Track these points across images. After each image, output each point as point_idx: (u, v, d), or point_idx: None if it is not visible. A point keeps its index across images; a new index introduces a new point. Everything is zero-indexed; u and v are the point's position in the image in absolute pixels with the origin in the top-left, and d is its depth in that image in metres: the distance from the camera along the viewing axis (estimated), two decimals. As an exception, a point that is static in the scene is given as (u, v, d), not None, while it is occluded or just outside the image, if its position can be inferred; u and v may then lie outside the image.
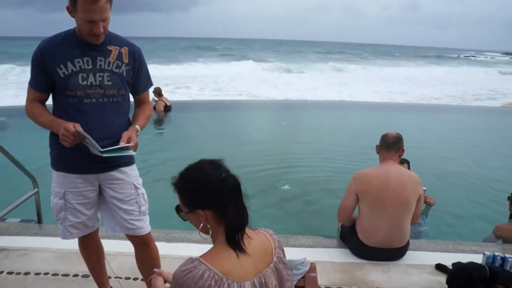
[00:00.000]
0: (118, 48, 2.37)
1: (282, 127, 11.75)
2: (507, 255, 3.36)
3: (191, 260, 1.49)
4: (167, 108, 12.02)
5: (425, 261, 3.64)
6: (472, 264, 3.03)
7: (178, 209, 1.67)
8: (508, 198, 4.57)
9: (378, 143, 3.69)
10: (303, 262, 2.79)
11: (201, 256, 1.51)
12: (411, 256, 3.71)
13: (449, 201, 5.94)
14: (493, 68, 55.88)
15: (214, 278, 1.44)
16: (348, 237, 3.78)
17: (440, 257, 3.65)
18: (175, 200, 1.68)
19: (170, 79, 24.98)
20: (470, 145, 10.09)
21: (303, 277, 2.68)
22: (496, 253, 3.38)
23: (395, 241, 3.56)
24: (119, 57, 2.36)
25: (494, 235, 4.34)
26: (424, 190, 4.54)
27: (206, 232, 1.60)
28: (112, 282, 3.12)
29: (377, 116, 13.86)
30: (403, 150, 3.64)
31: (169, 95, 12.65)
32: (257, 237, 1.62)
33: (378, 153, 3.71)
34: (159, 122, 11.38)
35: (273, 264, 1.61)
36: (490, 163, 8.46)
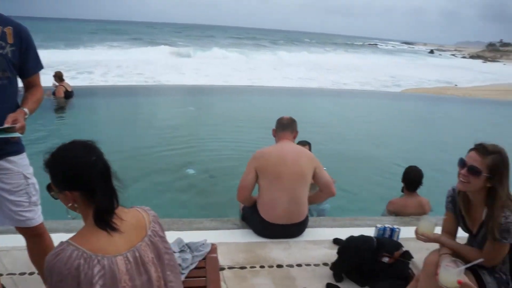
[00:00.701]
0: (1, 27, 2.22)
1: (189, 112, 11.66)
2: (395, 226, 3.64)
3: (61, 243, 1.49)
4: (69, 94, 11.32)
5: (323, 236, 3.84)
6: (362, 237, 3.25)
7: (49, 187, 1.65)
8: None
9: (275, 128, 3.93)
10: (203, 244, 2.83)
11: (70, 238, 1.51)
12: (311, 233, 3.89)
13: (349, 180, 6.29)
14: (395, 56, 59.65)
15: (83, 256, 1.45)
16: (250, 217, 3.88)
17: (338, 232, 3.84)
18: None
19: (71, 64, 23.70)
20: (372, 127, 10.76)
21: (204, 258, 2.72)
22: (386, 225, 3.65)
23: (294, 214, 3.72)
24: (3, 37, 2.21)
25: (387, 210, 4.67)
26: (325, 170, 4.76)
27: (74, 211, 1.61)
28: (5, 279, 2.94)
29: (285, 100, 14.23)
30: (297, 132, 3.93)
31: (70, 81, 11.96)
32: (129, 214, 1.64)
33: (274, 136, 3.95)
34: (60, 109, 10.74)
35: (148, 237, 1.64)
36: (389, 144, 9.07)
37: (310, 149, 5.02)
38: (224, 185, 5.92)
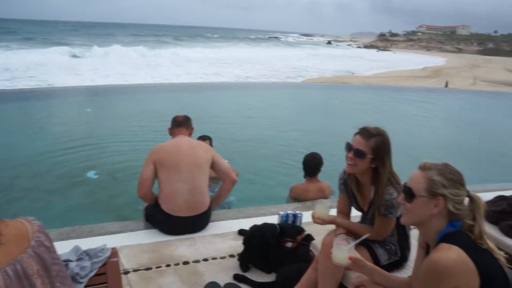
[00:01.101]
0: None
1: (86, 114, 11.10)
2: (297, 212, 3.77)
3: None
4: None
5: (229, 229, 3.88)
6: (265, 225, 3.33)
7: None
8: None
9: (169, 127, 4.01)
10: (103, 249, 2.71)
11: None
12: (216, 226, 3.92)
13: (254, 171, 6.39)
14: (296, 48, 61.59)
15: None
16: (153, 214, 3.82)
17: (243, 223, 3.90)
18: None
19: None
20: (275, 118, 11.04)
21: (104, 264, 2.61)
22: (289, 212, 3.77)
23: (196, 204, 3.73)
24: None
25: (290, 196, 4.81)
26: (228, 163, 4.80)
27: None
28: None
29: (188, 96, 14.10)
30: (192, 129, 4.04)
31: None
32: (10, 226, 1.52)
33: (170, 134, 4.01)
34: None
35: (31, 248, 1.53)
36: (292, 133, 9.35)
37: (211, 144, 5.05)
38: (128, 186, 5.72)
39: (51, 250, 1.60)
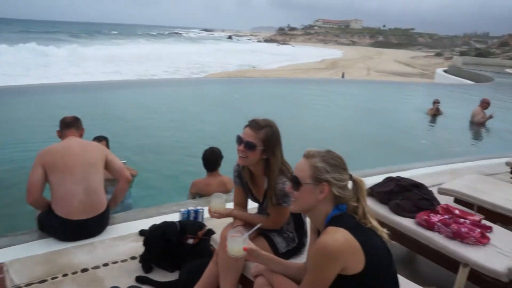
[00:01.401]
0: None
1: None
2: (199, 207, 3.78)
3: None
4: None
5: (129, 230, 3.79)
6: (164, 223, 3.30)
7: None
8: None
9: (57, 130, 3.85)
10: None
11: None
12: (116, 229, 3.81)
13: (155, 171, 6.29)
14: (198, 43, 61.17)
15: None
16: (47, 221, 3.61)
17: (144, 223, 3.81)
18: None
19: None
20: (176, 115, 10.91)
21: (-12, 282, 2.44)
22: (190, 208, 3.76)
23: (92, 205, 3.59)
24: None
25: (190, 192, 4.81)
26: (125, 163, 4.68)
27: None
28: None
29: (86, 97, 13.41)
30: (83, 129, 3.91)
31: None
32: None
33: (60, 136, 3.83)
34: None
35: None
36: (193, 129, 9.31)
37: (107, 145, 4.91)
38: (18, 194, 5.33)
39: None
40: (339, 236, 1.80)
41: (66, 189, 3.51)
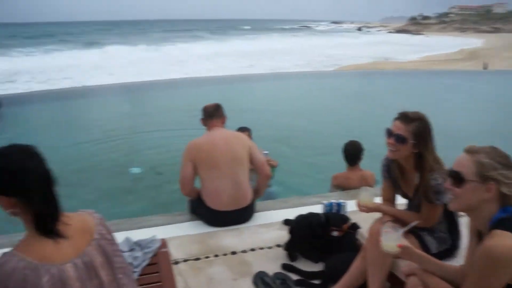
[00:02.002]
0: None
1: (125, 111, 11.35)
2: (341, 201, 3.75)
3: (4, 254, 1.41)
4: (-4, 104, 10.76)
5: (273, 219, 3.89)
6: (310, 214, 3.34)
7: None
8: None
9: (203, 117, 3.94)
10: (153, 240, 2.79)
11: (14, 248, 1.44)
12: (260, 217, 3.94)
13: (294, 161, 6.38)
14: (328, 36, 60.81)
15: (30, 267, 1.39)
16: (198, 208, 3.87)
17: (287, 213, 3.89)
18: None
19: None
20: (312, 107, 10.99)
21: (155, 254, 2.69)
22: (332, 201, 3.75)
23: (239, 199, 3.75)
24: None
25: (332, 185, 4.79)
26: (267, 154, 4.82)
27: (16, 215, 1.51)
28: None
29: (223, 89, 14.13)
30: (225, 117, 3.96)
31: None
32: (74, 219, 1.57)
33: (204, 125, 3.95)
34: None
35: (95, 241, 1.59)
36: (326, 120, 9.27)
37: (250, 135, 5.05)
38: (171, 180, 5.82)
39: (113, 242, 1.66)
40: (509, 241, 1.64)
41: (215, 184, 3.69)
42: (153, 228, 3.75)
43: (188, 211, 4.05)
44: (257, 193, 4.01)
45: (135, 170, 6.33)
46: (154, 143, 7.76)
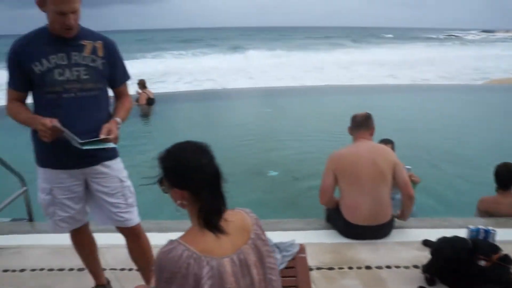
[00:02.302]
0: (92, 42, 2.39)
1: (266, 114, 11.74)
2: (490, 228, 3.45)
3: (171, 241, 1.55)
4: (151, 101, 11.92)
5: (412, 238, 3.72)
6: (455, 237, 3.11)
7: (160, 181, 1.70)
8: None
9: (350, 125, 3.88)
10: (292, 244, 2.86)
11: (180, 237, 1.57)
12: (398, 234, 3.80)
13: (435, 179, 6.04)
14: (478, 46, 56.27)
15: (193, 256, 1.50)
16: (334, 218, 3.87)
17: (427, 234, 3.70)
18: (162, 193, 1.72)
19: (149, 74, 24.52)
20: (457, 123, 10.25)
21: (293, 258, 2.76)
22: (480, 226, 3.47)
23: (378, 215, 3.65)
24: (94, 51, 2.38)
25: (478, 209, 4.44)
26: (409, 169, 4.62)
27: (183, 207, 1.66)
28: (107, 273, 3.16)
29: (362, 98, 13.87)
30: (373, 128, 3.84)
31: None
32: (234, 216, 1.67)
33: (350, 134, 3.89)
34: (144, 115, 11.33)
35: (251, 240, 1.66)
36: (474, 139, 8.60)
37: (393, 148, 4.88)
38: (307, 186, 5.95)
39: (266, 243, 1.74)
40: None
41: (354, 198, 3.63)
42: (288, 231, 3.82)
43: (324, 219, 4.07)
44: (402, 215, 3.85)
45: (272, 173, 6.54)
46: (291, 147, 7.94)
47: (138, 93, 11.69)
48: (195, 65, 30.18)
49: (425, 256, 3.24)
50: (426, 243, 3.57)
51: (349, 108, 11.01)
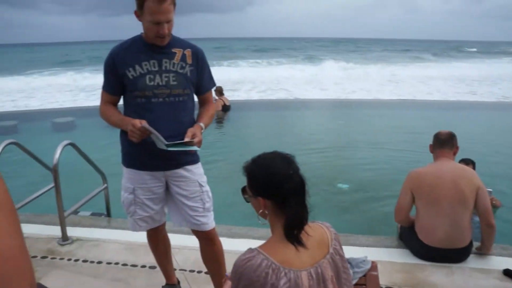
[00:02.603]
0: (181, 50, 2.51)
1: (339, 126, 11.60)
2: None
3: (251, 250, 1.58)
4: (226, 108, 12.20)
5: (491, 265, 3.51)
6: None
7: (244, 190, 1.75)
8: None
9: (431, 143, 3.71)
10: (364, 260, 2.79)
11: (259, 247, 1.59)
12: (476, 260, 3.59)
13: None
14: None
15: (272, 267, 1.51)
16: (408, 237, 3.73)
17: (508, 263, 3.49)
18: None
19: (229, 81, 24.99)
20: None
21: (364, 275, 2.69)
22: None
23: (456, 240, 3.47)
24: (183, 58, 2.50)
25: None
26: (490, 192, 4.37)
27: (264, 217, 1.68)
28: (176, 274, 3.27)
29: (440, 115, 13.34)
30: (457, 148, 3.64)
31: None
32: (314, 230, 1.66)
33: (432, 152, 3.72)
34: (219, 121, 11.60)
35: (330, 255, 1.65)
36: None
37: (474, 168, 4.65)
38: (378, 201, 5.79)
39: (343, 259, 1.72)
40: None
41: (432, 220, 3.48)
42: (358, 247, 3.77)
43: (397, 237, 3.95)
44: (483, 248, 3.63)
45: (342, 185, 6.44)
46: (362, 161, 7.77)
47: (215, 100, 11.99)
48: (269, 74, 30.32)
49: (505, 287, 3.04)
50: (507, 273, 3.35)
51: (424, 124, 10.73)
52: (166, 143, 2.33)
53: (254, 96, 20.32)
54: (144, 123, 2.32)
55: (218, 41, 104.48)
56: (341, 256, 1.71)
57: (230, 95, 17.55)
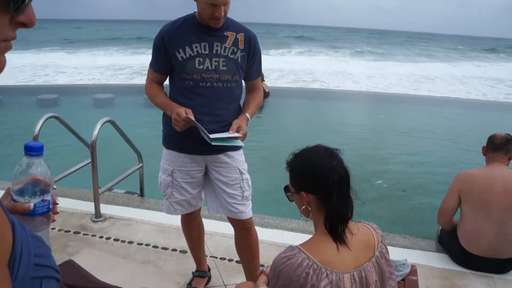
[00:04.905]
0: (234, 34, 2.40)
1: (379, 120, 11.32)
2: None
3: (291, 248, 1.50)
4: (266, 94, 12.11)
5: (537, 279, 3.32)
6: None
7: (286, 188, 1.69)
8: None
9: (485, 145, 3.50)
10: (404, 264, 2.66)
11: (301, 245, 1.51)
12: (520, 271, 3.40)
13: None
14: None
15: (313, 267, 1.44)
16: (448, 242, 3.56)
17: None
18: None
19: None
20: None
21: (403, 279, 2.57)
22: None
23: (502, 249, 3.27)
24: (235, 43, 2.40)
25: None
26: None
27: (307, 215, 1.61)
28: (207, 260, 3.22)
29: (486, 116, 12.80)
30: None
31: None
32: (359, 230, 1.57)
33: (484, 154, 3.52)
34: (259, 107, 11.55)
35: (375, 258, 1.56)
36: None
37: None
38: (415, 201, 5.61)
39: (390, 263, 1.62)
40: None
41: (476, 226, 3.29)
42: (395, 247, 3.65)
43: (436, 240, 3.78)
44: None
45: (379, 182, 6.27)
46: (401, 158, 7.55)
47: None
48: (308, 65, 29.93)
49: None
50: (555, 287, 3.16)
51: (474, 126, 10.28)
52: (211, 137, 2.25)
53: (292, 85, 20.14)
54: (189, 113, 2.25)
55: (263, 26, 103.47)
56: (387, 260, 1.61)
57: (272, 83, 17.49)
